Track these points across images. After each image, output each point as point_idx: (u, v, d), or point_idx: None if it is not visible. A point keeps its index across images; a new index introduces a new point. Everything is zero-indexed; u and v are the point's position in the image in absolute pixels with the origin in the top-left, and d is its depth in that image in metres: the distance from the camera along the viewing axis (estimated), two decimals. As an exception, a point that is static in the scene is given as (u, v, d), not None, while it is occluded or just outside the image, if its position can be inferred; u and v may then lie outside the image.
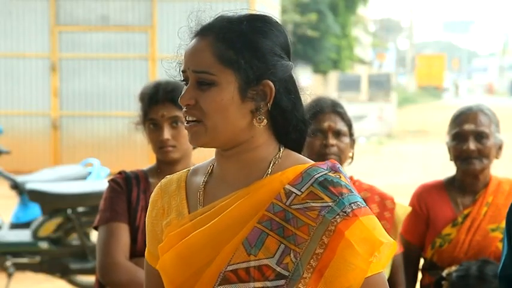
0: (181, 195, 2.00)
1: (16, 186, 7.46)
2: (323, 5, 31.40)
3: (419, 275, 3.57)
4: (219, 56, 1.89)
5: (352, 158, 3.22)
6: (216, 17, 1.96)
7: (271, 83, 1.91)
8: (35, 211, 7.44)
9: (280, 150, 1.96)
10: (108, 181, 3.20)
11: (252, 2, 14.05)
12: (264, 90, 1.91)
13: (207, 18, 1.96)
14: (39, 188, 6.76)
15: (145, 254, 2.08)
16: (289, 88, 1.94)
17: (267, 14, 1.98)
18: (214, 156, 2.01)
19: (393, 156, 19.32)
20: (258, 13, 1.98)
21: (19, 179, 7.50)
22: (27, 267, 6.75)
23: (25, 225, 7.38)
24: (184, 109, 1.93)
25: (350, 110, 3.37)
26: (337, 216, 1.85)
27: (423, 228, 3.51)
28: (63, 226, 6.74)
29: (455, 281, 3.32)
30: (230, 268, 1.86)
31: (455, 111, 3.54)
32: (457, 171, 3.51)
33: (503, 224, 3.41)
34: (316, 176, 1.90)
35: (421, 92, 57.10)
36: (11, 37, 14.54)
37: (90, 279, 6.71)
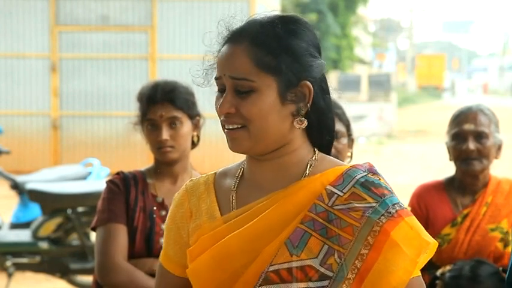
0: (211, 198, 1.98)
1: (16, 186, 7.46)
2: (323, 5, 31.36)
3: (419, 275, 3.57)
4: (257, 62, 1.88)
5: (351, 157, 3.21)
6: (247, 21, 1.94)
7: (309, 84, 1.90)
8: (35, 211, 7.44)
9: (315, 153, 1.95)
10: (106, 182, 3.19)
11: (252, 2, 14.04)
12: (302, 91, 1.90)
13: (237, 22, 1.94)
14: (39, 188, 6.76)
15: (162, 259, 2.05)
16: (324, 87, 1.94)
17: (295, 14, 1.98)
18: (242, 160, 2.00)
19: (393, 156, 19.31)
20: (288, 14, 1.97)
21: (19, 179, 7.50)
22: (27, 267, 6.75)
23: (25, 225, 7.38)
24: (222, 117, 1.90)
25: (350, 110, 3.37)
26: (382, 217, 1.84)
27: (423, 228, 3.50)
28: (63, 226, 6.74)
29: (448, 281, 3.32)
30: (272, 268, 1.85)
31: (455, 111, 3.54)
32: (457, 171, 3.51)
33: (502, 224, 3.42)
34: (357, 177, 1.89)
35: (421, 92, 57.08)
36: (11, 37, 14.53)
37: (90, 279, 6.70)
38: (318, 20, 29.81)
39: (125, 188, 3.15)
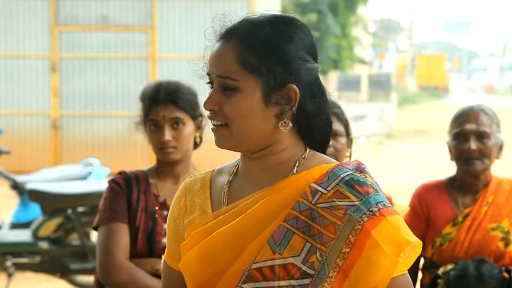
0: (205, 194, 2.01)
1: (16, 186, 7.46)
2: (323, 5, 31.35)
3: (420, 275, 3.57)
4: (242, 62, 1.89)
5: (349, 157, 3.21)
6: (241, 19, 1.94)
7: (295, 87, 1.90)
8: (35, 211, 7.44)
9: (306, 151, 1.96)
10: (108, 181, 3.19)
11: (252, 2, 14.04)
12: (288, 94, 1.90)
13: (232, 20, 1.95)
14: (39, 188, 6.76)
15: (165, 256, 2.08)
16: (314, 91, 1.94)
17: (291, 16, 1.97)
18: (239, 157, 2.01)
19: (393, 156, 19.31)
20: (282, 15, 1.97)
21: (19, 179, 7.50)
22: (27, 267, 6.75)
23: (25, 225, 7.38)
24: (208, 113, 1.93)
25: (350, 110, 3.38)
26: (364, 216, 1.84)
27: (423, 228, 3.51)
28: (63, 226, 6.74)
29: (453, 280, 3.32)
30: (255, 266, 1.86)
31: (457, 111, 3.54)
32: (458, 171, 3.51)
33: (503, 224, 3.43)
34: (342, 175, 1.89)
35: (421, 92, 57.10)
36: (11, 37, 14.53)
37: (90, 279, 6.70)
38: (318, 20, 29.80)
39: (127, 187, 3.15)
